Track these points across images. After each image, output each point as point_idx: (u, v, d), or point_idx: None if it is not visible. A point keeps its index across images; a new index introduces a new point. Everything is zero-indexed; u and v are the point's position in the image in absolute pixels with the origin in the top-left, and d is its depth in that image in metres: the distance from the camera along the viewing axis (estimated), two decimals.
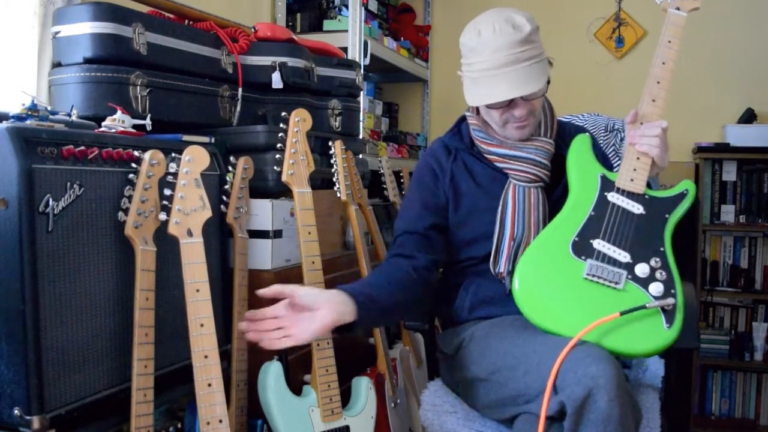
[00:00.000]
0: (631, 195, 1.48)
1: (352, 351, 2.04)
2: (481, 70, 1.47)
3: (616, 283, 1.38)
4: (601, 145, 1.97)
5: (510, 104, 1.49)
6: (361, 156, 2.37)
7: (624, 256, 1.41)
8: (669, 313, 1.33)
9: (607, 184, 1.49)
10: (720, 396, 3.20)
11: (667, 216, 1.46)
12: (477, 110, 1.62)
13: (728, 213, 3.15)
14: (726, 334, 3.16)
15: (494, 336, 1.45)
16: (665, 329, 1.32)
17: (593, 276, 1.39)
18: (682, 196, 1.48)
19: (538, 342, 1.36)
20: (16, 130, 1.17)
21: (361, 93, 2.57)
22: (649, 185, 1.53)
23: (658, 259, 1.40)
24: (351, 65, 2.31)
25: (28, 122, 1.25)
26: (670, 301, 1.34)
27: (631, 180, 1.48)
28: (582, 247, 1.43)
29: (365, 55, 2.76)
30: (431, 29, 3.77)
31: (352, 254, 2.05)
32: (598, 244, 1.43)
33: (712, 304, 3.22)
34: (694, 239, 3.07)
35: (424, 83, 3.75)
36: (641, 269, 1.39)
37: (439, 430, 1.53)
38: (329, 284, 1.73)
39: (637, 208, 1.47)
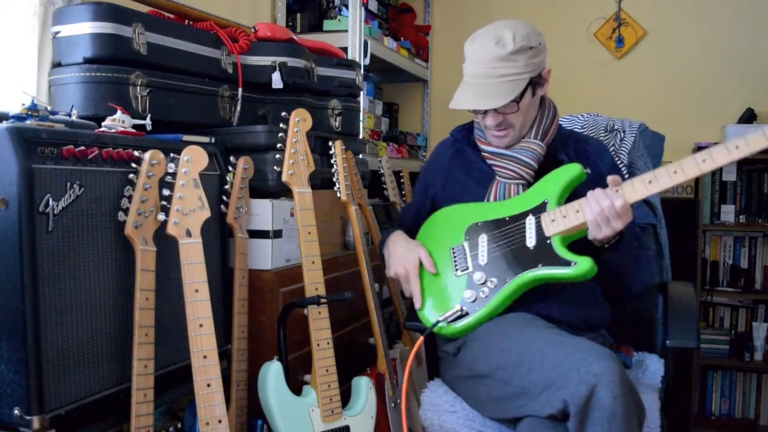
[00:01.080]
0: (539, 229, 1.52)
1: (352, 351, 2.04)
2: (465, 76, 1.60)
3: (456, 269, 1.59)
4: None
5: (485, 113, 1.59)
6: (361, 156, 2.36)
7: (483, 260, 1.57)
8: (456, 319, 1.54)
9: (539, 209, 1.54)
10: (720, 396, 3.20)
11: (538, 266, 1.49)
12: None
13: (728, 213, 3.15)
14: (726, 334, 3.16)
15: (497, 333, 1.46)
16: (441, 325, 1.55)
17: (453, 253, 1.62)
18: (566, 263, 1.46)
19: (541, 339, 1.37)
20: (16, 130, 1.17)
21: (361, 93, 2.57)
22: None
23: (496, 282, 1.53)
24: (351, 65, 2.31)
25: (28, 122, 1.25)
26: (452, 312, 1.53)
27: (552, 220, 1.52)
28: (473, 232, 1.61)
29: (365, 55, 2.76)
30: (431, 29, 3.77)
31: (352, 254, 2.05)
32: (482, 238, 1.59)
33: (712, 304, 3.22)
34: (694, 239, 3.07)
35: (424, 83, 3.75)
36: (479, 277, 1.55)
37: (439, 429, 1.54)
38: (329, 284, 1.74)
39: (530, 241, 1.53)
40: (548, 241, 1.50)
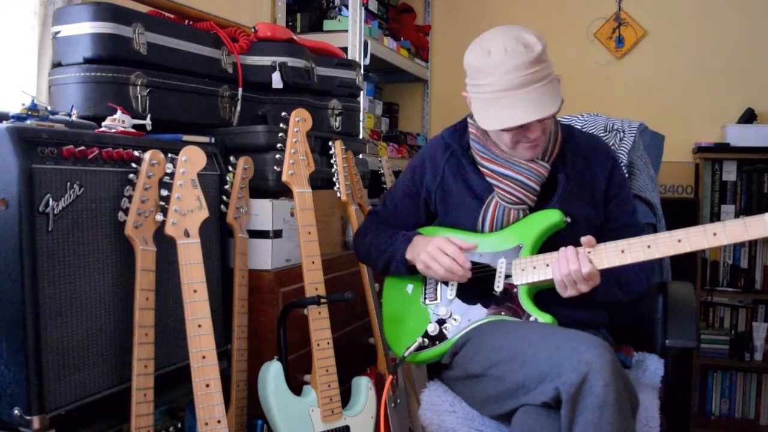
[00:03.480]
0: (509, 275, 1.53)
1: (352, 351, 2.04)
2: (493, 92, 1.43)
3: (425, 298, 1.62)
4: None
5: (524, 126, 1.45)
6: (361, 156, 2.37)
7: (450, 294, 1.59)
8: (418, 349, 1.56)
9: (512, 253, 1.54)
10: (720, 396, 3.20)
11: (501, 313, 1.51)
12: None
13: (728, 213, 3.15)
14: (726, 334, 3.16)
15: (488, 333, 1.47)
16: (403, 352, 1.58)
17: (424, 280, 1.64)
18: (528, 316, 1.49)
19: (533, 334, 1.38)
20: (16, 130, 1.18)
21: (361, 93, 2.57)
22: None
23: (459, 320, 1.55)
24: (351, 65, 2.31)
25: (28, 122, 1.25)
26: (415, 346, 1.56)
27: (522, 270, 1.52)
28: None
29: (365, 55, 2.76)
30: (431, 29, 3.76)
31: (352, 254, 2.05)
32: None
33: (712, 304, 3.21)
34: None
35: (424, 83, 3.75)
36: (443, 312, 1.58)
37: (438, 429, 1.54)
38: (329, 284, 1.74)
39: (498, 286, 1.54)
40: (514, 290, 1.52)
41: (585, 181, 1.62)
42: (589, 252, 1.43)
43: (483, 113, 1.47)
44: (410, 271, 1.63)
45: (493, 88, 1.43)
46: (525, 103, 1.41)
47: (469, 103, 1.54)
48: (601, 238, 1.48)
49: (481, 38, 1.49)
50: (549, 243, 1.54)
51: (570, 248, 1.44)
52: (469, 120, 1.66)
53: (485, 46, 1.44)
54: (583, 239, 1.44)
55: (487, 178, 1.59)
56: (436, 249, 1.55)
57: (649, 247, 1.40)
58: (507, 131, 1.48)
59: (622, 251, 1.42)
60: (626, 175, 1.88)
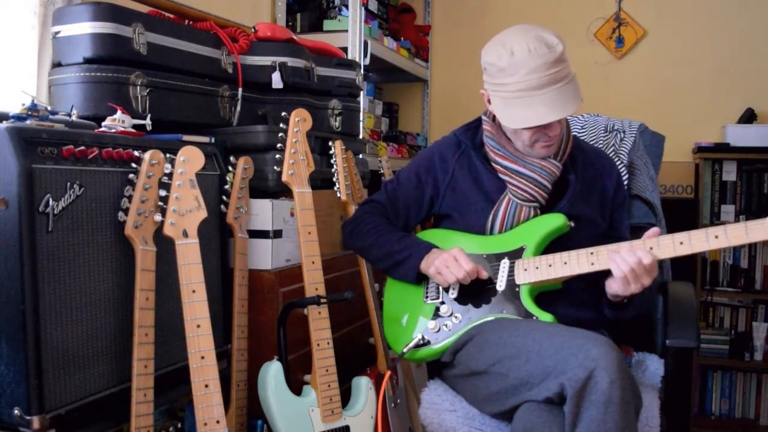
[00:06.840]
0: (511, 275, 1.53)
1: (352, 351, 2.04)
2: (516, 92, 1.45)
3: (426, 297, 1.61)
4: (600, 146, 1.97)
5: (545, 125, 1.48)
6: (361, 156, 2.37)
7: (452, 293, 1.58)
8: (417, 346, 1.56)
9: (515, 254, 1.54)
10: (720, 396, 3.20)
11: (503, 311, 1.51)
12: (493, 116, 1.62)
13: (728, 213, 3.15)
14: (726, 334, 3.16)
15: (492, 330, 1.47)
16: (402, 349, 1.58)
17: (430, 281, 1.62)
18: (528, 316, 1.49)
19: (538, 331, 1.38)
20: (16, 130, 1.17)
21: (361, 93, 2.57)
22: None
23: (460, 318, 1.55)
24: (351, 65, 2.31)
25: (28, 122, 1.25)
26: (414, 342, 1.56)
27: (525, 269, 1.52)
28: None
29: (365, 55, 2.76)
30: (431, 29, 3.77)
31: (352, 254, 2.05)
32: None
33: (712, 304, 3.21)
34: None
35: (424, 83, 3.75)
36: (445, 310, 1.57)
37: (438, 428, 1.54)
38: (329, 284, 1.74)
39: (500, 285, 1.54)
40: (517, 290, 1.52)
41: (595, 186, 1.65)
42: (651, 248, 1.42)
43: (506, 112, 1.49)
44: (417, 279, 1.63)
45: (516, 87, 1.45)
46: (549, 101, 1.43)
47: (487, 101, 1.56)
48: (604, 242, 1.50)
49: (501, 38, 1.49)
50: (556, 243, 1.55)
51: (623, 244, 1.43)
52: (483, 117, 1.67)
53: (507, 46, 1.45)
54: (649, 231, 1.44)
55: (500, 175, 1.60)
56: (452, 259, 1.53)
57: (651, 249, 1.41)
58: (527, 129, 1.50)
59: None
60: (626, 189, 1.89)
